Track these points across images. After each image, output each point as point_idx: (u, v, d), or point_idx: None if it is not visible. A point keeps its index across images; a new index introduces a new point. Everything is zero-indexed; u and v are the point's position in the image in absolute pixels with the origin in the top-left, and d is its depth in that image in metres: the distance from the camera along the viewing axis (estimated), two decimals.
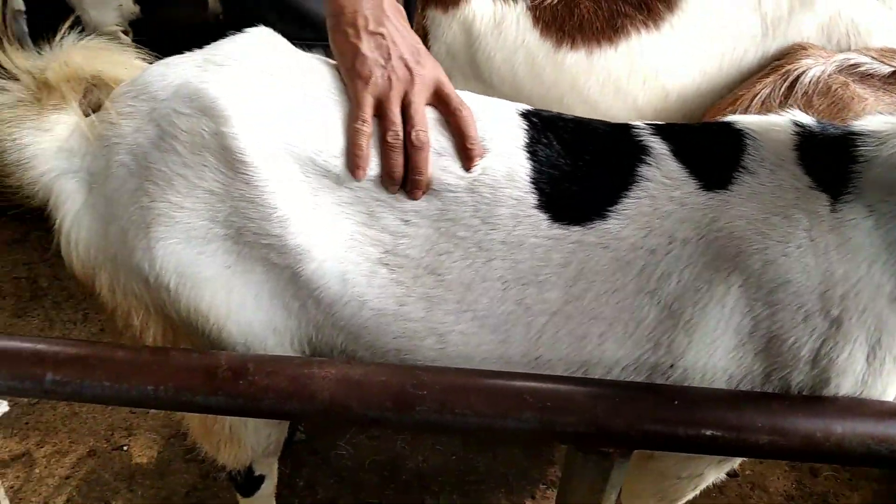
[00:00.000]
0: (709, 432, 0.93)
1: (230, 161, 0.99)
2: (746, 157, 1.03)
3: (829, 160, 1.02)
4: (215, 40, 1.15)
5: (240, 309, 1.06)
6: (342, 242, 1.03)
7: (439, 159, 1.04)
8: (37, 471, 1.96)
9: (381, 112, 1.04)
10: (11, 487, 1.90)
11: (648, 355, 1.04)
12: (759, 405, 0.95)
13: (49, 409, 2.10)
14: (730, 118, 1.10)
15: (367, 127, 1.03)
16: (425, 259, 1.04)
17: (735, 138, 1.06)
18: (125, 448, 2.02)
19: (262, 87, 1.04)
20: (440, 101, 1.07)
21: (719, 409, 0.94)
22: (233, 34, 1.13)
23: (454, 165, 1.04)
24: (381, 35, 1.06)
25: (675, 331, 1.02)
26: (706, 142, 1.07)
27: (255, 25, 1.15)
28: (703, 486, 1.25)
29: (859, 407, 0.97)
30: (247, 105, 1.01)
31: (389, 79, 1.04)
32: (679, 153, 1.05)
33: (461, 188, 1.03)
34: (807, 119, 1.07)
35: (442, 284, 1.04)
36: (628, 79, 1.79)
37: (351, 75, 1.05)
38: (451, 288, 1.04)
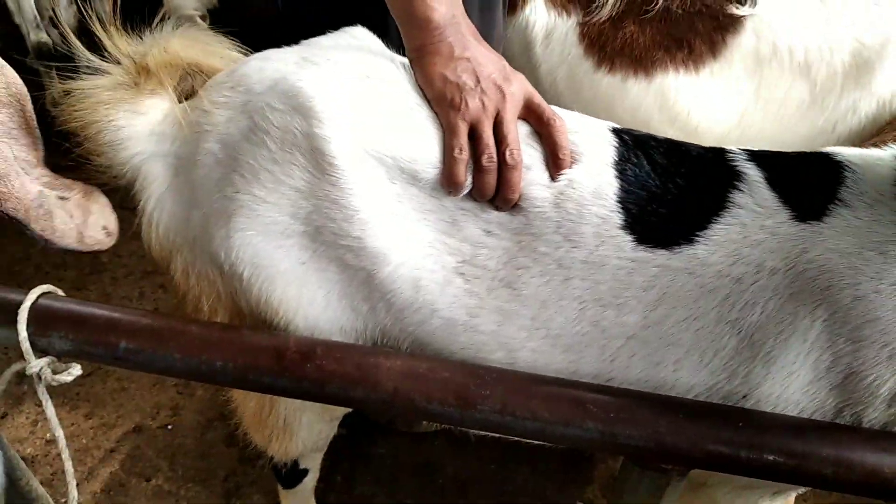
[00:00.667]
0: (771, 457, 0.91)
1: (319, 162, 1.01)
2: (844, 189, 1.01)
3: None
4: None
5: (309, 305, 1.07)
6: (420, 249, 1.04)
7: (527, 173, 1.04)
8: (83, 441, 2.01)
9: (474, 134, 1.03)
10: (58, 455, 1.95)
11: (723, 384, 1.02)
12: (825, 435, 0.93)
13: (99, 382, 2.15)
14: (828, 149, 1.08)
15: (465, 155, 1.02)
16: (502, 272, 1.03)
17: (833, 169, 1.04)
18: (170, 427, 2.06)
19: (357, 90, 1.05)
20: (531, 113, 1.07)
21: (784, 436, 0.93)
22: (332, 32, 1.15)
23: (541, 179, 1.03)
24: (468, 59, 1.05)
25: (754, 362, 1.00)
26: (802, 171, 1.05)
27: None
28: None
29: None
30: (340, 106, 1.02)
31: (481, 101, 1.03)
32: (773, 181, 1.03)
33: (547, 203, 1.02)
34: None
35: (517, 299, 1.03)
36: (658, 114, 1.76)
37: (442, 105, 1.04)
38: (527, 303, 1.03)
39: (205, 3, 2.50)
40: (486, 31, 1.29)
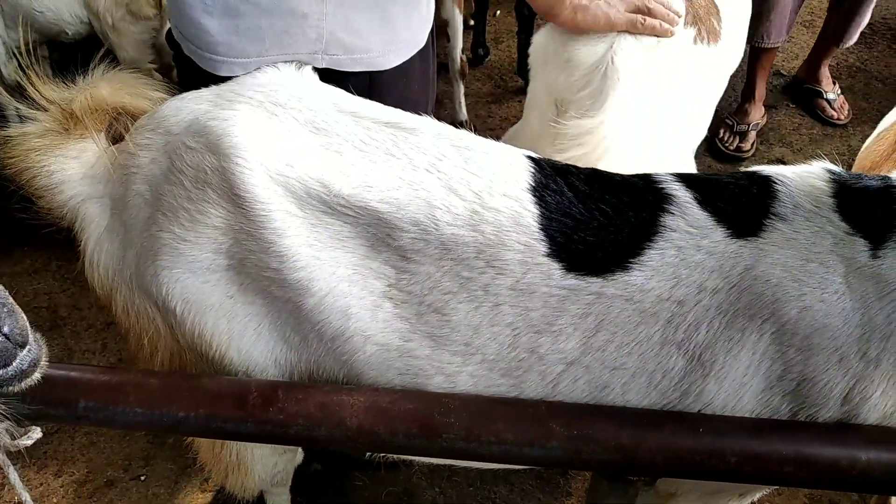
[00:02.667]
0: (734, 460, 0.93)
1: (231, 196, 1.03)
2: (778, 203, 1.03)
3: (869, 208, 1.02)
4: None
5: (240, 338, 1.09)
6: (345, 276, 1.04)
7: (447, 195, 1.04)
8: (54, 500, 1.97)
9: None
10: None
11: (675, 403, 1.03)
12: (783, 434, 0.95)
13: (67, 438, 2.11)
14: (755, 168, 1.10)
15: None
16: (429, 297, 1.03)
17: (763, 185, 1.05)
18: (143, 478, 2.03)
19: (269, 124, 1.07)
20: None
21: (744, 438, 0.95)
22: (261, 69, 1.17)
23: (452, 203, 1.03)
24: None
25: (706, 380, 1.01)
26: (732, 189, 1.06)
27: None
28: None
29: (885, 435, 0.97)
30: (249, 141, 1.04)
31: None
32: (704, 201, 1.04)
33: (461, 226, 1.02)
34: (838, 168, 1.07)
35: (448, 324, 1.03)
36: None
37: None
38: (458, 329, 1.03)
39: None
40: None
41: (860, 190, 1.04)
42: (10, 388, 0.86)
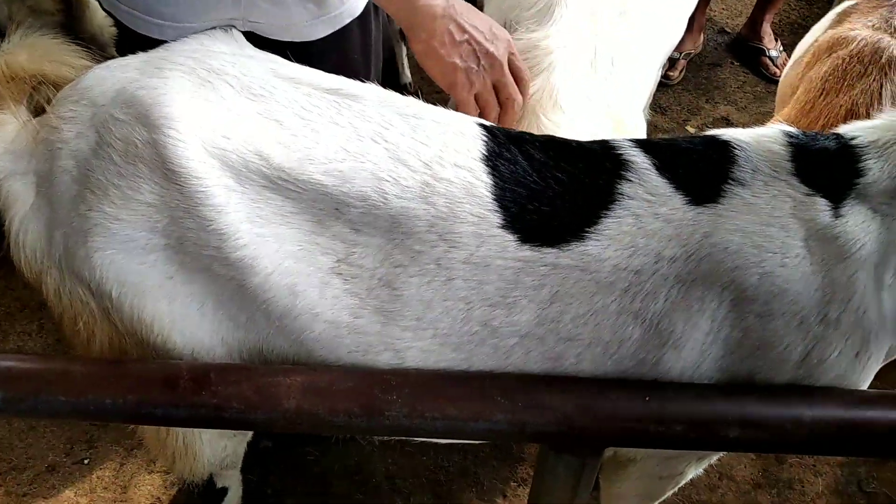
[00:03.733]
0: (680, 428, 0.93)
1: (164, 171, 0.96)
2: (737, 168, 1.01)
3: (828, 168, 1.01)
4: None
5: (183, 319, 1.03)
6: (290, 253, 0.99)
7: (395, 166, 0.99)
8: None
9: (480, 101, 1.27)
10: None
11: (631, 373, 1.01)
12: (729, 398, 0.95)
13: (4, 423, 2.03)
14: (714, 132, 1.08)
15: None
16: (380, 269, 0.99)
17: (722, 150, 1.03)
18: (86, 462, 1.96)
19: (203, 92, 1.01)
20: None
21: (690, 404, 0.94)
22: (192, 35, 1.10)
23: (402, 174, 0.99)
24: (467, 41, 1.21)
25: (663, 349, 1.00)
26: (691, 155, 1.04)
27: None
28: (682, 482, 1.25)
29: (827, 395, 0.97)
30: (185, 112, 0.98)
31: (483, 78, 1.24)
32: (662, 167, 1.01)
33: (412, 198, 0.98)
34: (795, 130, 1.06)
35: (399, 299, 1.00)
36: None
37: (455, 90, 1.24)
38: (409, 304, 1.00)
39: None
40: None
41: (818, 151, 1.03)
42: None
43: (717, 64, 3.28)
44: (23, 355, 0.98)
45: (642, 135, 1.63)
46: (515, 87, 1.28)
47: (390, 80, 2.94)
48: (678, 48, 2.97)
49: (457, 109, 1.19)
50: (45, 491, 1.90)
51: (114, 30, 2.65)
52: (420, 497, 1.91)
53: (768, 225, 0.98)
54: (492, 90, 1.26)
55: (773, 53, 3.19)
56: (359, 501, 1.90)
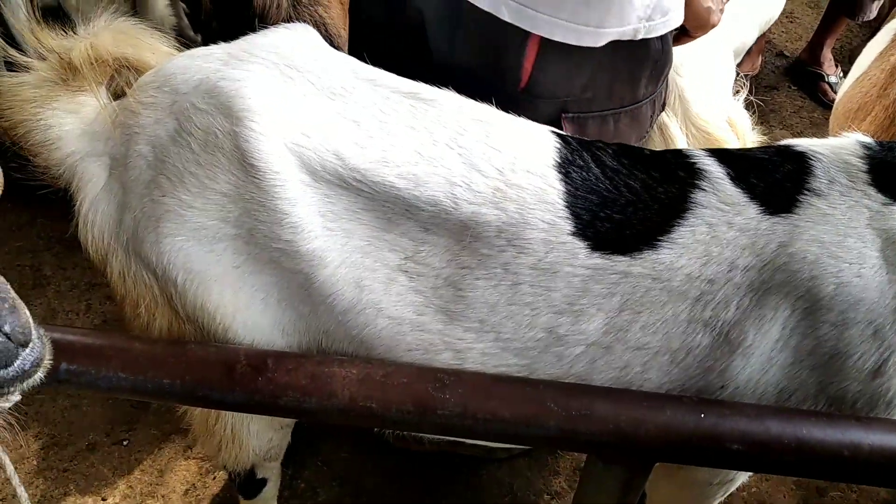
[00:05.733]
0: (735, 446, 0.91)
1: (242, 163, 0.98)
2: (814, 179, 1.01)
3: None
4: None
5: (247, 309, 1.04)
6: (358, 248, 1.00)
7: (468, 172, 1.00)
8: (34, 462, 1.94)
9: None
10: (8, 480, 1.88)
11: (697, 380, 1.01)
12: (785, 420, 0.93)
13: (49, 400, 2.07)
14: (787, 141, 1.08)
15: None
16: (446, 270, 1.00)
17: (798, 160, 1.03)
18: (125, 443, 2.00)
19: (284, 87, 1.02)
20: None
21: (745, 424, 0.92)
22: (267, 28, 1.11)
23: (476, 181, 0.99)
24: None
25: (732, 356, 0.99)
26: (766, 165, 1.04)
27: None
28: (732, 489, 1.23)
29: (888, 423, 0.95)
30: (263, 105, 0.99)
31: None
32: (737, 177, 1.01)
33: (483, 202, 0.99)
34: (870, 140, 1.05)
35: (463, 300, 1.01)
36: None
37: (707, 29, 1.33)
38: (473, 305, 1.01)
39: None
40: None
41: (893, 160, 1.02)
42: (11, 389, 0.81)
43: (774, 87, 3.24)
44: (86, 330, 1.00)
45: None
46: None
47: None
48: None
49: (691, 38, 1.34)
50: (85, 468, 1.93)
51: (174, 20, 2.72)
52: (452, 502, 1.91)
53: (845, 235, 0.97)
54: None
55: (833, 79, 3.14)
56: (390, 500, 1.90)
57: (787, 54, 3.42)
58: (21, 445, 1.97)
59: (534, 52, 1.20)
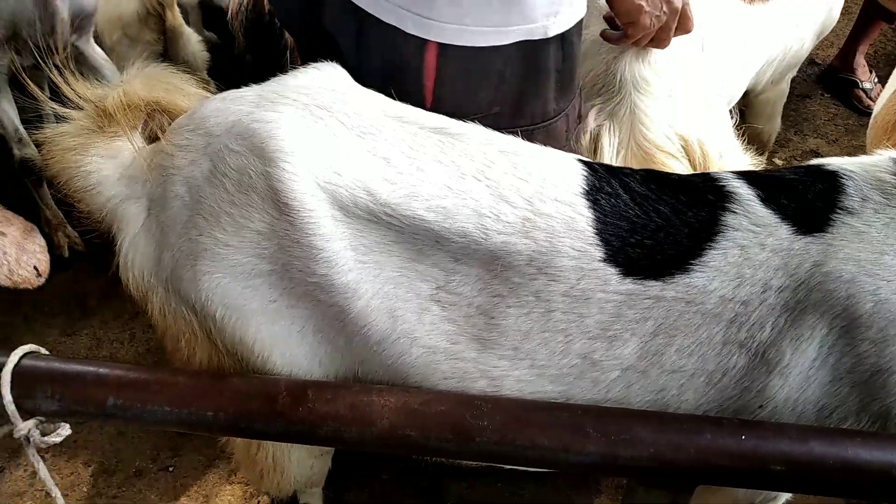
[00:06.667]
0: (777, 468, 0.90)
1: (276, 202, 1.00)
2: (846, 197, 1.00)
3: None
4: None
5: (284, 342, 1.07)
6: (391, 279, 1.02)
7: (496, 203, 1.01)
8: (84, 489, 1.98)
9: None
10: None
11: (734, 400, 1.01)
12: (828, 441, 0.92)
13: (97, 428, 2.12)
14: (817, 161, 1.07)
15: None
16: (478, 298, 1.01)
17: (828, 179, 1.03)
18: (171, 469, 2.03)
19: (315, 127, 1.04)
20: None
21: (787, 445, 0.91)
22: (297, 68, 1.14)
23: (502, 210, 1.01)
24: None
25: (769, 376, 0.99)
26: (796, 185, 1.03)
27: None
28: None
29: None
30: (295, 145, 1.01)
31: (657, 23, 1.40)
32: (767, 198, 1.01)
33: (512, 232, 1.00)
34: None
35: (496, 328, 1.01)
36: None
37: (634, 28, 1.40)
38: (506, 333, 1.01)
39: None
40: None
41: None
42: None
43: (806, 96, 3.20)
44: (132, 365, 1.03)
45: (728, 123, 1.72)
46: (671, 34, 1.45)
47: None
48: None
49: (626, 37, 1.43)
50: (133, 494, 1.97)
51: (206, 55, 2.78)
52: None
53: (881, 253, 0.96)
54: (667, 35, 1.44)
55: (867, 85, 3.10)
56: None
57: (819, 61, 3.38)
58: (72, 472, 2.01)
59: (432, 69, 1.22)
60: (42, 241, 1.11)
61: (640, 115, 1.55)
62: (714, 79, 1.75)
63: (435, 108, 1.17)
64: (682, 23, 1.44)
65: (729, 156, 1.61)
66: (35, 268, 1.10)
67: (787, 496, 1.21)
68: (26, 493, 1.97)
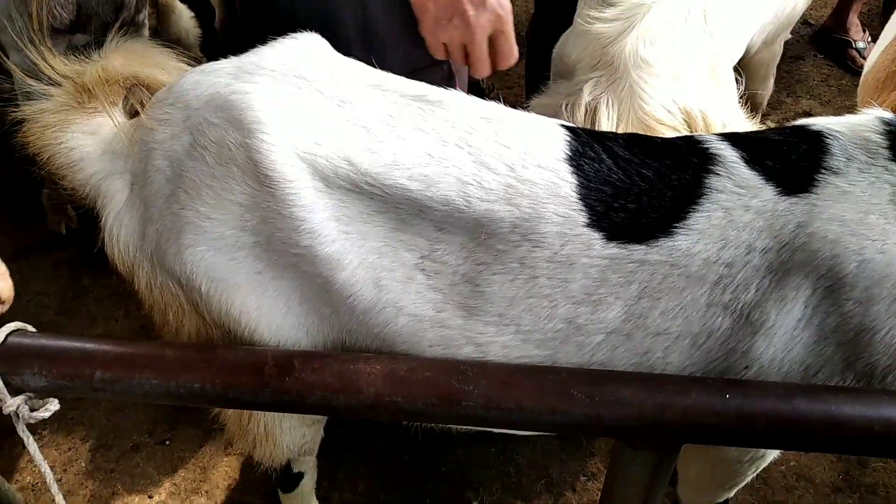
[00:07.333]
0: (762, 425, 0.91)
1: (256, 174, 0.99)
2: (830, 157, 1.00)
3: None
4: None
5: (270, 313, 1.07)
6: (375, 249, 1.02)
7: (479, 170, 1.00)
8: (82, 464, 2.00)
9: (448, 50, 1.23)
10: (59, 480, 1.94)
11: (720, 362, 1.01)
12: (812, 398, 0.93)
13: (93, 404, 2.13)
14: (802, 121, 1.06)
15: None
16: (463, 267, 1.01)
17: (813, 140, 1.02)
18: (167, 442, 2.05)
19: (293, 98, 1.03)
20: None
21: (772, 403, 0.92)
22: (275, 39, 1.13)
23: (486, 177, 1.00)
24: None
25: (754, 337, 0.99)
26: (780, 146, 1.03)
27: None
28: (763, 465, 1.23)
29: None
30: (274, 116, 1.00)
31: (451, 33, 1.20)
32: (751, 160, 1.01)
33: (495, 199, 0.99)
34: (891, 115, 1.04)
35: (482, 296, 1.01)
36: None
37: (420, 27, 1.22)
38: (492, 300, 1.01)
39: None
40: None
41: None
42: None
43: (799, 57, 3.18)
44: (119, 340, 1.03)
45: (734, 91, 1.68)
46: (483, 58, 1.22)
47: None
48: None
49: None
50: (130, 468, 1.99)
51: (198, 31, 2.75)
52: (489, 488, 1.92)
53: (866, 213, 0.96)
54: (461, 46, 1.21)
55: (861, 45, 3.07)
56: (428, 490, 1.93)
57: (812, 22, 3.35)
58: (70, 448, 2.03)
59: None
60: (3, 269, 1.09)
61: (640, 91, 1.53)
62: (718, 46, 1.72)
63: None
64: (497, 48, 1.23)
65: (732, 125, 1.60)
66: None
67: (773, 453, 1.22)
68: (25, 470, 1.98)
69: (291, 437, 1.31)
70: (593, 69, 1.58)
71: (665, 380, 0.95)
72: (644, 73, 1.51)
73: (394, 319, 1.03)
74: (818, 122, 1.05)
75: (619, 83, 1.54)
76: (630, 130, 1.51)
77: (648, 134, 1.45)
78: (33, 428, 1.02)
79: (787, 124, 1.09)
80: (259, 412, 1.24)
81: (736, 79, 1.80)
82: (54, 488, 1.06)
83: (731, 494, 1.38)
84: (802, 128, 1.04)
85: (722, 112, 1.60)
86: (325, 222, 1.00)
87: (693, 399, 0.92)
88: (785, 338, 0.99)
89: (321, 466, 1.75)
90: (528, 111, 1.43)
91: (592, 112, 1.56)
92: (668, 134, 1.49)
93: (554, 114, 1.54)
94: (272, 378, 0.95)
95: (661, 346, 1.01)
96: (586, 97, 1.55)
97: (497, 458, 1.99)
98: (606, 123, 1.54)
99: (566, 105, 1.59)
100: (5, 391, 0.98)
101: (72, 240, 2.60)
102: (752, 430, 0.91)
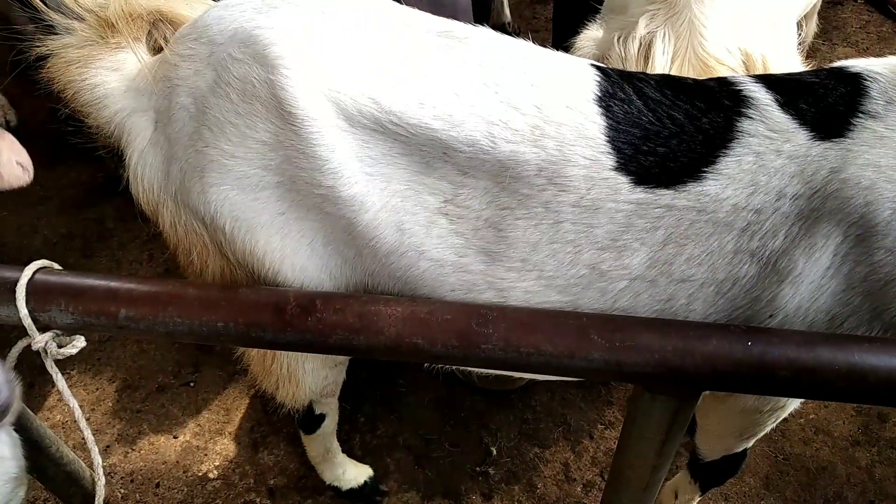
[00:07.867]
0: (783, 374, 0.90)
1: (280, 111, 0.98)
2: (868, 100, 0.96)
3: None
4: None
5: (294, 254, 1.06)
6: (398, 192, 1.00)
7: (505, 110, 0.98)
8: (109, 404, 2.04)
9: None
10: (87, 419, 1.99)
11: (744, 310, 1.00)
12: (835, 346, 0.92)
13: (119, 346, 2.17)
14: (841, 63, 1.02)
15: None
16: (486, 212, 1.00)
17: (851, 82, 0.98)
18: (192, 384, 2.09)
19: (320, 33, 1.01)
20: None
21: (794, 351, 0.91)
22: None
23: (514, 119, 0.98)
24: None
25: (781, 286, 0.97)
26: (817, 88, 0.99)
27: None
28: (783, 416, 1.23)
29: None
30: (300, 52, 0.98)
31: None
32: (786, 103, 0.97)
33: (521, 140, 0.97)
34: None
35: (504, 241, 1.00)
36: None
37: None
38: (515, 245, 1.00)
39: None
40: None
41: None
42: None
43: (837, 2, 3.08)
44: (142, 278, 1.03)
45: (793, 41, 1.61)
46: None
47: (483, 20, 2.89)
48: None
49: None
50: (156, 409, 2.03)
51: None
52: (507, 434, 1.95)
53: None
54: None
55: None
56: (446, 434, 1.95)
57: None
58: (97, 388, 2.07)
59: None
60: (11, 137, 1.10)
61: (700, 26, 1.47)
62: None
63: None
64: None
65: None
66: (18, 163, 1.10)
67: (794, 403, 1.21)
68: (56, 408, 2.04)
69: (314, 378, 1.32)
70: (650, 2, 1.52)
71: (686, 326, 0.95)
72: (706, 7, 1.46)
73: (416, 263, 1.03)
74: (857, 64, 1.01)
75: (678, 17, 1.48)
76: (686, 67, 1.47)
77: (705, 73, 1.42)
78: (62, 367, 1.04)
79: (824, 67, 1.05)
80: (282, 353, 1.26)
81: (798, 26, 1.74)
82: (82, 424, 1.08)
83: (749, 445, 1.38)
84: (840, 70, 1.01)
85: (783, 59, 1.55)
86: (349, 163, 0.99)
87: (714, 346, 0.91)
88: (812, 286, 0.97)
89: (342, 409, 1.78)
90: (577, 44, 1.39)
91: (647, 46, 1.51)
92: (726, 74, 1.45)
93: (605, 49, 1.50)
94: (294, 318, 0.96)
95: (684, 294, 1.00)
96: (641, 30, 1.49)
97: (515, 405, 2.00)
98: (661, 58, 1.49)
99: (619, 37, 1.54)
100: (34, 327, 0.99)
101: (95, 184, 2.62)
102: (774, 378, 0.90)
